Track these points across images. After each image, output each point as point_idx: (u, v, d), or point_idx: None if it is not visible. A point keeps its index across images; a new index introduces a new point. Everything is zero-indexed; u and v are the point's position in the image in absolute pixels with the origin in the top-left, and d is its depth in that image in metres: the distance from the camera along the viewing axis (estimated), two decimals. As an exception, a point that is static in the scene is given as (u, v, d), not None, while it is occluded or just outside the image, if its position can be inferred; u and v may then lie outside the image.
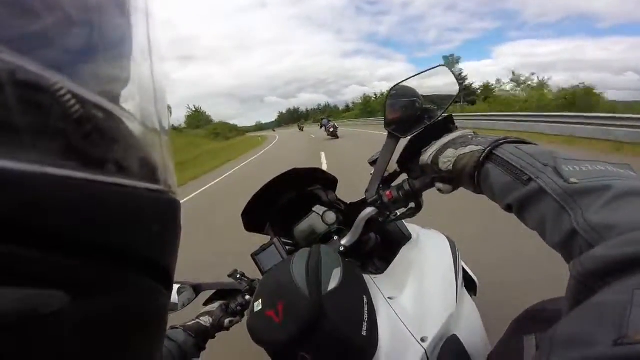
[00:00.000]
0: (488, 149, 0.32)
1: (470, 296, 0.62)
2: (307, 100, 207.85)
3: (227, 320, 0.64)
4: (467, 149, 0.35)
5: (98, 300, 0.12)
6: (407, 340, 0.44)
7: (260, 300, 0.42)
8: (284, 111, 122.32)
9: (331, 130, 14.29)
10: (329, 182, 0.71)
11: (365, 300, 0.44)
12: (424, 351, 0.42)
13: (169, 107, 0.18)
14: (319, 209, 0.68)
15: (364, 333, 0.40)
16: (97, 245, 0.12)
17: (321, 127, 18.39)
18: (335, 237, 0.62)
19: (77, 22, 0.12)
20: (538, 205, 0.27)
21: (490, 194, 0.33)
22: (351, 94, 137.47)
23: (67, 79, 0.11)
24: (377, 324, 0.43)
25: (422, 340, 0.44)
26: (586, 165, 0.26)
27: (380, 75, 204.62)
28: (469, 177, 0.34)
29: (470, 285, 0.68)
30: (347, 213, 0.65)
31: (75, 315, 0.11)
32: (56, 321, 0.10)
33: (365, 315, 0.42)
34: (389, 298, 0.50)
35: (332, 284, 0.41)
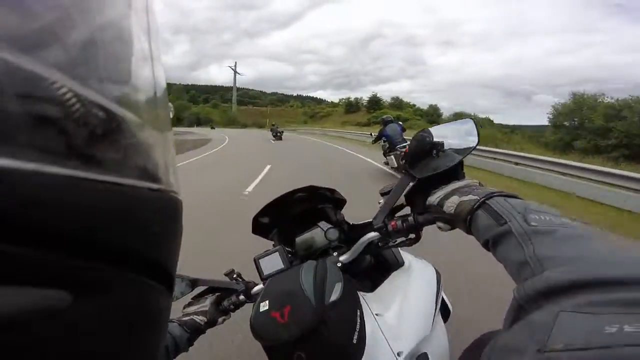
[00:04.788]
0: (482, 199, 0.39)
1: (444, 320, 0.71)
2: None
3: (220, 319, 0.69)
4: (467, 198, 0.41)
5: (99, 299, 0.12)
6: (386, 352, 0.51)
7: (267, 302, 0.46)
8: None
9: None
10: (339, 202, 0.76)
11: (359, 314, 0.48)
12: None
13: (170, 106, 0.19)
14: (324, 224, 0.73)
15: (354, 341, 0.45)
16: (98, 245, 0.11)
17: None
18: (334, 253, 0.67)
19: (78, 21, 0.12)
20: (506, 242, 0.32)
21: (475, 232, 0.39)
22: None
23: (68, 78, 0.11)
24: (365, 334, 0.48)
25: (398, 354, 0.51)
26: (549, 216, 0.32)
27: None
28: (464, 220, 0.40)
29: (444, 312, 0.75)
30: (349, 233, 0.70)
31: (77, 314, 0.11)
32: (57, 320, 0.10)
33: (358, 326, 0.47)
34: (376, 314, 0.57)
35: (334, 296, 0.46)
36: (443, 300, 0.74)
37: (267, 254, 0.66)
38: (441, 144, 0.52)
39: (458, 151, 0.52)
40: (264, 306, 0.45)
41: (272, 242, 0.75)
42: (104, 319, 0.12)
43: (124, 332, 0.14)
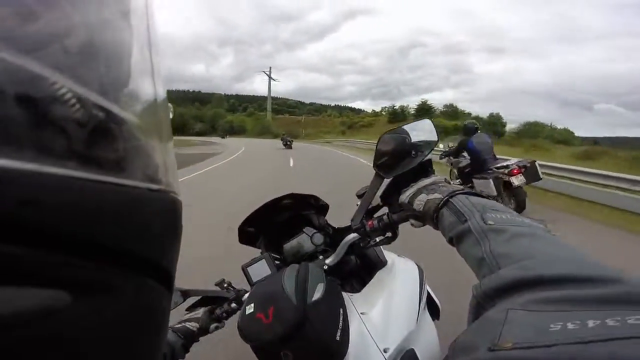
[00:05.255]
0: (446, 197, 0.41)
1: (433, 319, 0.71)
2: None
3: (212, 326, 0.68)
4: (433, 196, 0.43)
5: (99, 299, 0.12)
6: (372, 349, 0.53)
7: (252, 304, 0.47)
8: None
9: None
10: (322, 208, 0.79)
11: (342, 312, 0.51)
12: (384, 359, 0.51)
13: (170, 106, 0.18)
14: (309, 230, 0.75)
15: (337, 338, 0.47)
16: (98, 245, 0.11)
17: None
18: (321, 257, 0.68)
19: (78, 22, 0.12)
20: (466, 239, 0.34)
21: (442, 229, 0.41)
22: None
23: (68, 78, 0.11)
24: (348, 332, 0.50)
25: (385, 350, 0.53)
26: (506, 215, 0.34)
27: None
28: (431, 217, 0.42)
29: (433, 309, 0.75)
30: (333, 236, 0.73)
31: (77, 314, 0.11)
32: (57, 320, 0.10)
33: (340, 324, 0.49)
34: (361, 313, 0.59)
35: (316, 296, 0.48)
36: (430, 297, 0.76)
37: (254, 261, 0.68)
38: (419, 144, 0.54)
39: (422, 149, 0.54)
40: (250, 309, 0.47)
41: (260, 250, 0.77)
42: (104, 319, 0.12)
43: (124, 332, 0.13)
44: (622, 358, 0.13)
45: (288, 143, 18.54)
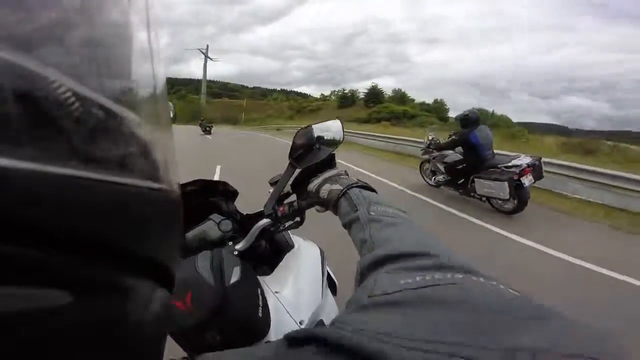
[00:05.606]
0: (345, 189, 0.49)
1: (333, 295, 0.82)
2: (574, 105, 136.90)
3: None
4: (335, 187, 0.52)
5: (99, 299, 0.12)
6: (289, 322, 0.59)
7: None
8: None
9: None
10: (230, 193, 0.79)
11: (259, 292, 0.56)
12: None
13: (171, 105, 0.19)
14: (216, 217, 0.73)
15: (260, 315, 0.52)
16: (98, 245, 0.11)
17: None
18: (230, 243, 0.69)
19: (78, 19, 0.12)
20: (355, 225, 0.42)
21: (340, 216, 0.48)
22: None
23: (67, 77, 0.11)
24: (269, 309, 0.55)
25: (300, 322, 0.60)
26: (384, 208, 0.43)
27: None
28: (333, 205, 0.51)
29: (332, 286, 0.85)
30: (242, 222, 0.73)
31: (77, 315, 0.11)
32: (57, 321, 0.10)
33: (260, 302, 0.53)
34: (275, 292, 0.64)
35: (234, 278, 0.51)
36: (329, 275, 0.85)
37: None
38: (322, 138, 0.63)
39: (330, 145, 0.63)
40: None
41: None
42: (105, 319, 0.12)
43: (125, 332, 0.13)
44: (430, 294, 0.22)
45: (207, 129, 18.09)
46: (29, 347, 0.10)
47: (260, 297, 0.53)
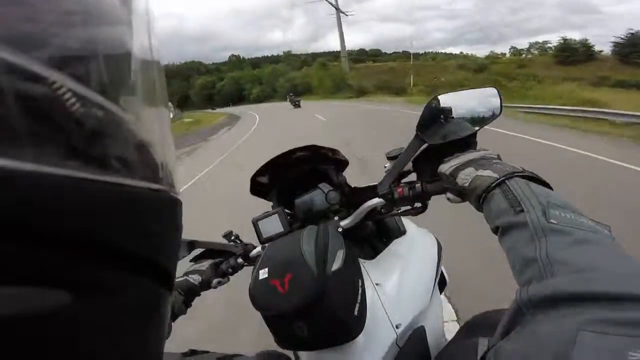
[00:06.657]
0: (502, 178, 0.36)
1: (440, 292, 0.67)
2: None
3: (215, 281, 0.66)
4: (485, 173, 0.38)
5: (99, 299, 0.12)
6: (384, 324, 0.51)
7: (266, 269, 0.45)
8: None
9: None
10: (341, 163, 0.72)
11: (360, 284, 0.48)
12: (395, 336, 0.50)
13: (170, 105, 0.19)
14: (324, 186, 0.69)
15: (355, 313, 0.45)
16: (98, 245, 0.12)
17: None
18: (335, 217, 0.64)
19: (78, 20, 0.12)
20: (518, 232, 0.30)
21: (487, 213, 0.36)
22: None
23: (68, 77, 0.11)
24: (366, 307, 0.47)
25: (397, 326, 0.51)
26: (570, 214, 0.29)
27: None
28: (478, 196, 0.37)
29: (441, 283, 0.71)
30: (350, 196, 0.67)
31: (76, 314, 0.11)
32: (57, 320, 0.10)
33: (359, 298, 0.46)
34: (376, 284, 0.56)
35: (336, 265, 0.45)
36: (442, 274, 0.72)
37: (266, 215, 0.64)
38: (449, 110, 0.50)
39: (474, 120, 0.51)
40: (264, 274, 0.44)
41: (271, 204, 0.73)
42: (104, 319, 0.12)
43: (124, 332, 0.14)
44: None
45: (296, 103, 19.49)
46: (29, 347, 0.10)
47: (360, 291, 0.48)
